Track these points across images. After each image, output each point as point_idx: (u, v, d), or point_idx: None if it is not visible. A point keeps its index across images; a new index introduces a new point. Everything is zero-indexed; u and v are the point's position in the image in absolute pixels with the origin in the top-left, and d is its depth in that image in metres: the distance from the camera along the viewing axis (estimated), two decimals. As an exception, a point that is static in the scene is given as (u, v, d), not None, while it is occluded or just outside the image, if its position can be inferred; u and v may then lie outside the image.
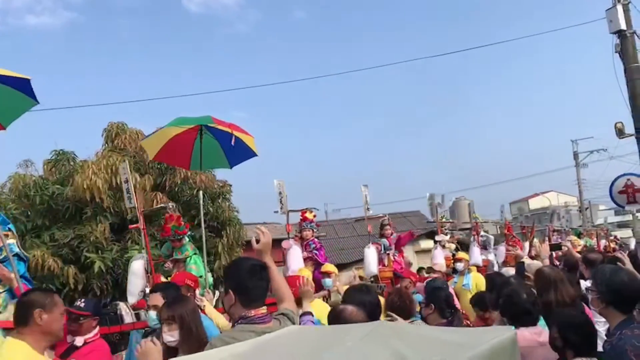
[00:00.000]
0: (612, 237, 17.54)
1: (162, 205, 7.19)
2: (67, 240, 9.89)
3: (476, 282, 8.16)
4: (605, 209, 48.59)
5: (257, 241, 3.04)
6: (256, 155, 6.38)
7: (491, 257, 11.29)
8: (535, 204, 55.40)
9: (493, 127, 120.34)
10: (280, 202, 7.89)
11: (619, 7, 11.44)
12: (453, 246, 10.85)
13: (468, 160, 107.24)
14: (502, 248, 11.61)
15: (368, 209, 9.31)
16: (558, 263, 7.55)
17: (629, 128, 12.09)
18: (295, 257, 7.06)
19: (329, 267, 6.96)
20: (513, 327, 3.23)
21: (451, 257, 10.54)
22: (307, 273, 6.17)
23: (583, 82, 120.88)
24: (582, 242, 12.52)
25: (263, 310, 2.72)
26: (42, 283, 9.30)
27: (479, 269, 10.16)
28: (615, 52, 11.73)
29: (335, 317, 3.09)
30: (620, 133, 12.37)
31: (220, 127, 5.87)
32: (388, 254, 8.71)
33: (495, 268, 10.42)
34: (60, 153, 11.59)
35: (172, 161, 7.88)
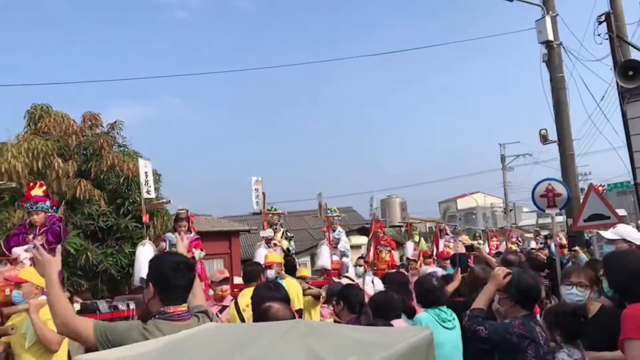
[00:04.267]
0: (513, 239, 18.19)
1: None
2: (-19, 227, 9.34)
3: (290, 289, 5.57)
4: (529, 211, 50.80)
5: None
6: None
7: (345, 259, 10.36)
8: (463, 204, 57.24)
9: (426, 128, 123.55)
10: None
11: (548, 19, 11.97)
12: (285, 244, 9.80)
13: (401, 160, 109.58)
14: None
15: (148, 192, 8.04)
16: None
17: (553, 134, 12.72)
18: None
19: (24, 272, 4.59)
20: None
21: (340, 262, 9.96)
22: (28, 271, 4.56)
23: (514, 88, 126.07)
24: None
25: (183, 307, 2.67)
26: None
27: (328, 272, 9.55)
28: (543, 61, 12.27)
29: (261, 316, 3.02)
30: (544, 139, 12.97)
31: None
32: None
33: (351, 270, 9.73)
34: (-24, 134, 10.93)
35: None
